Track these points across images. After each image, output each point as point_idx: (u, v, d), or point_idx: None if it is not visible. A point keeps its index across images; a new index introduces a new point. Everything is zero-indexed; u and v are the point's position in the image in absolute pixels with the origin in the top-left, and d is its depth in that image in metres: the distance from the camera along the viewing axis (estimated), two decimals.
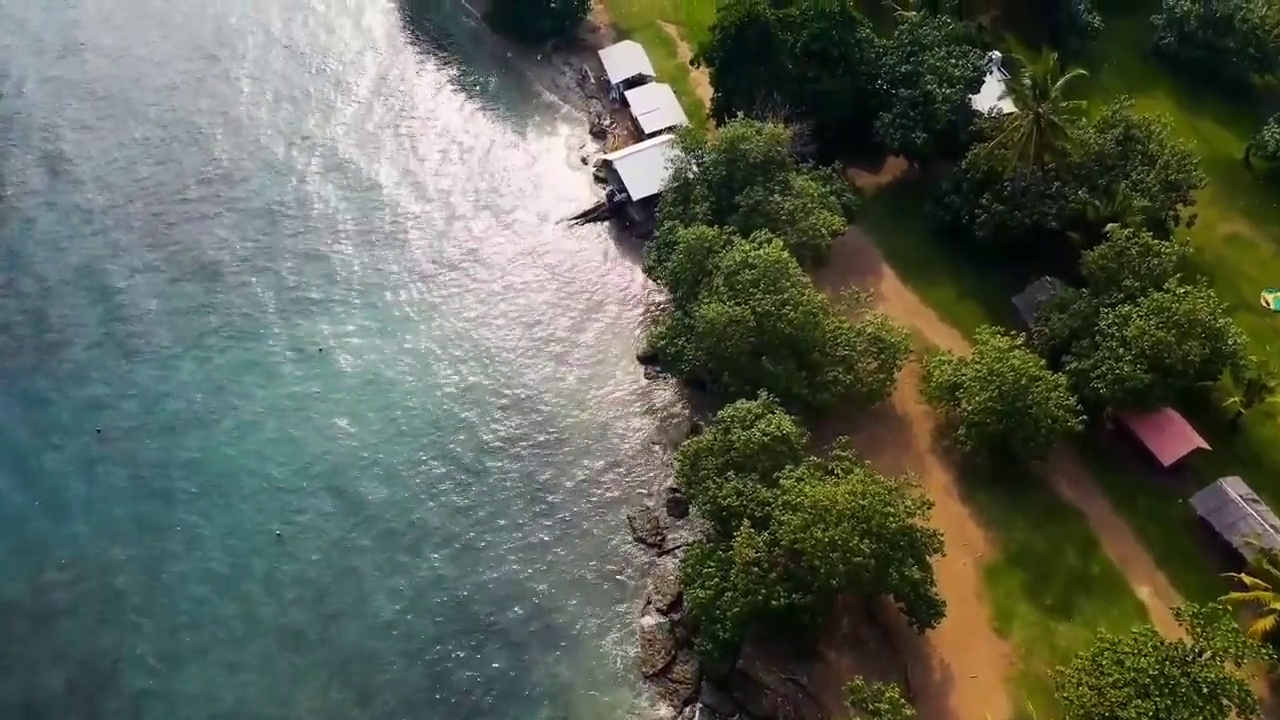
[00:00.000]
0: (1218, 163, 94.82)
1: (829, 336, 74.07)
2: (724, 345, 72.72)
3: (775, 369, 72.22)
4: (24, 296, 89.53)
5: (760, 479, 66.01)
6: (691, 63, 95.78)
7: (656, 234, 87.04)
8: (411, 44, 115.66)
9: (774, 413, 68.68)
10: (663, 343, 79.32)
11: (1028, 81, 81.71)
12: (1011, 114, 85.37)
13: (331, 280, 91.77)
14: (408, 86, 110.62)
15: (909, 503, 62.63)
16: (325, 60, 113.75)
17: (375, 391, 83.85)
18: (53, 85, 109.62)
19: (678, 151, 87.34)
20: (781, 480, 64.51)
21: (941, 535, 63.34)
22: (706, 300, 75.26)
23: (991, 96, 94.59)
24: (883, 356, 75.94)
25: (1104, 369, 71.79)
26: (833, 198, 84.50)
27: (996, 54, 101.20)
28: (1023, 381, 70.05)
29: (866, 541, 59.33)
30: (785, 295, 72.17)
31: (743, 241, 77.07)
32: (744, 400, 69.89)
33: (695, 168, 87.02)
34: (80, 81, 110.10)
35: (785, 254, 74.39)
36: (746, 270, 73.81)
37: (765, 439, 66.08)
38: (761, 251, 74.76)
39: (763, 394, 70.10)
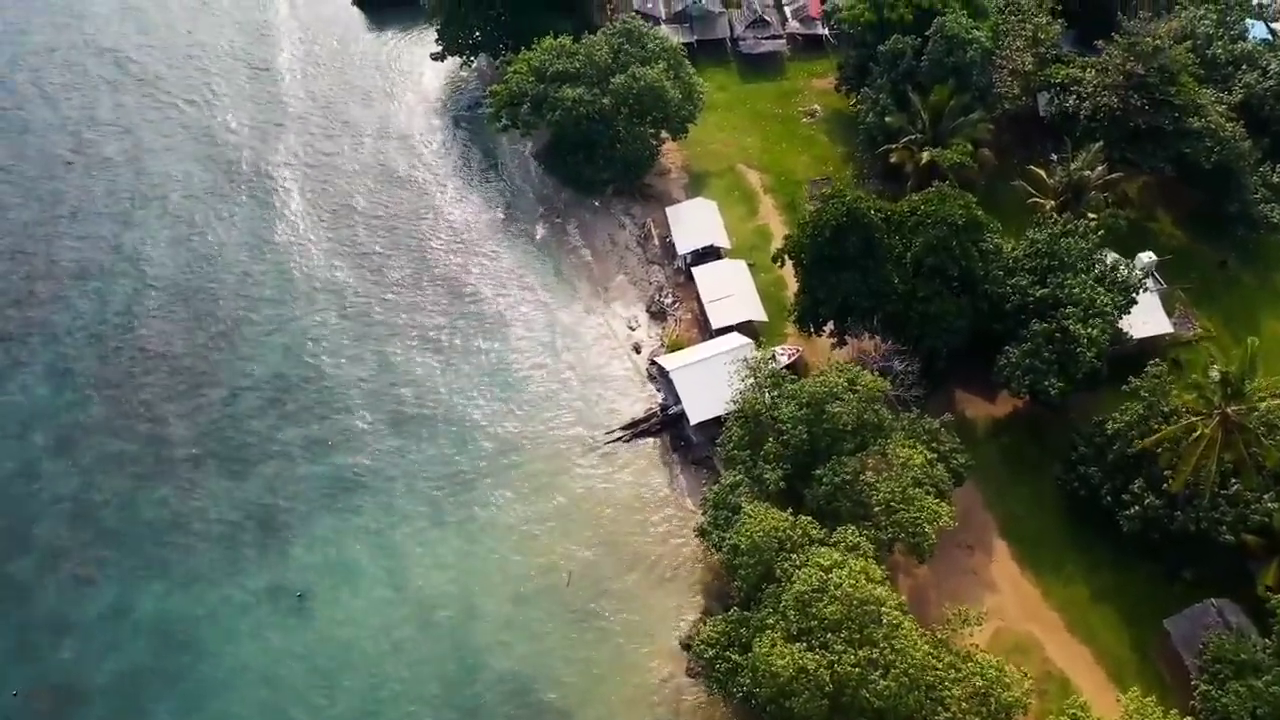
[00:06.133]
0: None
1: (928, 697, 56.76)
2: (788, 701, 55.88)
3: None
4: None
5: None
6: (774, 259, 78.59)
7: (715, 484, 70.49)
8: (455, 174, 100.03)
9: None
10: (710, 653, 62.57)
11: (1215, 375, 63.11)
12: (1170, 367, 67.21)
13: (320, 496, 76.46)
14: (439, 227, 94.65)
15: None
16: (355, 183, 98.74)
17: (359, 660, 68.74)
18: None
19: (749, 384, 70.55)
20: None
21: None
22: (771, 623, 58.54)
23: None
24: (991, 707, 58.45)
25: None
26: (939, 465, 67.04)
27: (1150, 257, 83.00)
28: None
29: None
30: (875, 652, 55.08)
31: (821, 549, 60.08)
32: None
33: (767, 398, 70.25)
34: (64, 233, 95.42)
35: (878, 587, 57.23)
36: (825, 601, 56.88)
37: None
38: (846, 573, 57.73)
39: None
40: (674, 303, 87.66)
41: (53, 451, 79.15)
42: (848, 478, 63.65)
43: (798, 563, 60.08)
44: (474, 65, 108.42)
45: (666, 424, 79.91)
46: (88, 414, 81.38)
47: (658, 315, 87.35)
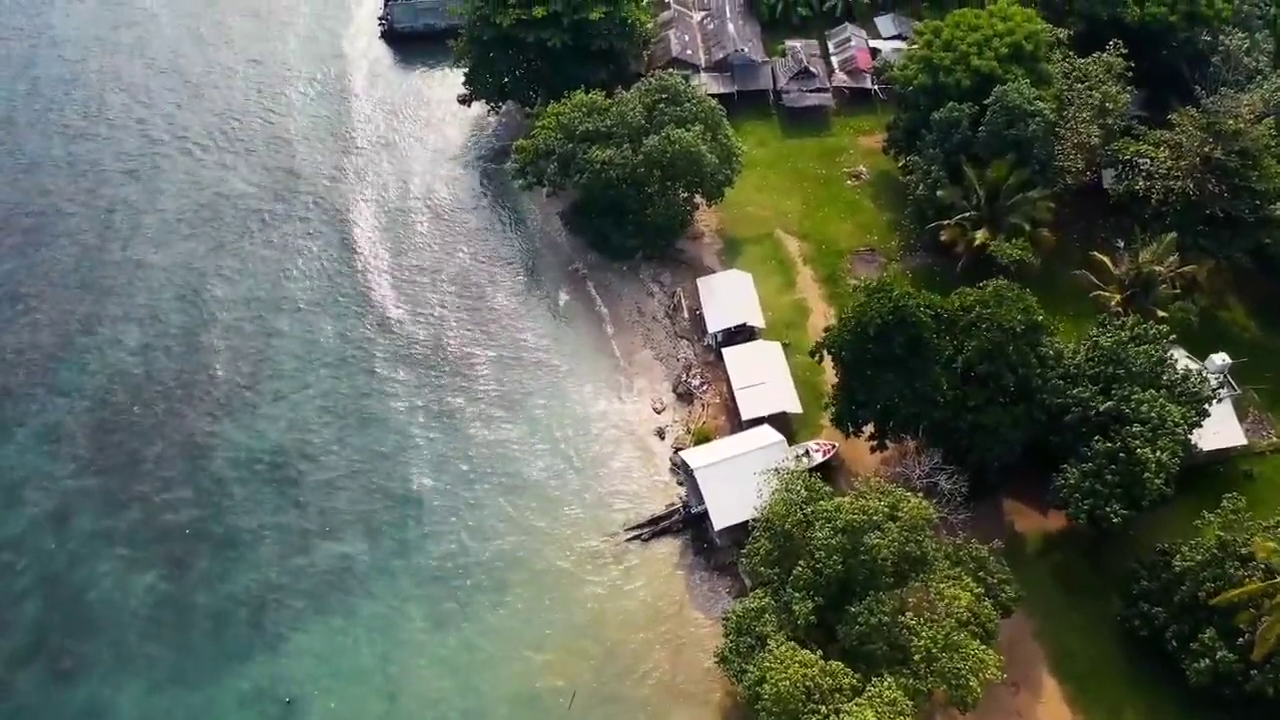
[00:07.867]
0: None
1: None
2: None
3: None
4: None
5: None
6: (811, 354, 72.64)
7: (739, 601, 64.75)
8: (476, 230, 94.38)
9: None
10: None
11: None
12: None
13: (316, 588, 71.58)
14: (454, 288, 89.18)
15: None
16: (365, 235, 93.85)
17: None
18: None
19: (779, 499, 64.49)
20: None
21: None
22: None
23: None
24: None
25: None
26: (986, 601, 60.89)
27: (1223, 359, 76.21)
28: None
29: None
30: None
31: (853, 705, 54.20)
32: None
33: (799, 515, 64.11)
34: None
35: None
36: None
37: None
38: None
39: None
40: (702, 385, 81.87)
41: (41, 526, 74.93)
42: (885, 619, 57.66)
43: (826, 715, 54.33)
44: (502, 110, 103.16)
45: (689, 522, 74.31)
46: (82, 482, 77.10)
47: (684, 397, 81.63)
